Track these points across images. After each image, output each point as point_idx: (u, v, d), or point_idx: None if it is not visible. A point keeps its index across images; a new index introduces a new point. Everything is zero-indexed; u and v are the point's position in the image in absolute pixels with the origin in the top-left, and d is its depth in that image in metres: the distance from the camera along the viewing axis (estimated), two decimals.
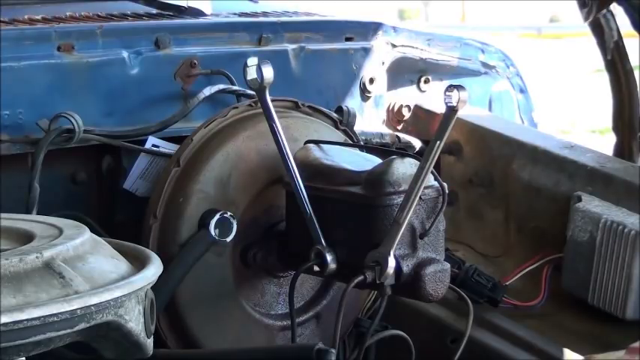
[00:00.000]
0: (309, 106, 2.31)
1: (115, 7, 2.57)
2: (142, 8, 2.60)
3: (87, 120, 2.14)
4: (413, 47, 2.66)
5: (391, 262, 1.89)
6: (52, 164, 2.14)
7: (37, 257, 1.36)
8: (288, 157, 2.02)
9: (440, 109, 2.50)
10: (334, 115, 2.34)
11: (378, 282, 1.90)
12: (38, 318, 1.28)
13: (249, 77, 2.02)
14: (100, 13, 2.47)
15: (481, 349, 2.27)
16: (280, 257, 2.15)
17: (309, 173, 2.05)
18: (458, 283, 2.31)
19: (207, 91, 2.31)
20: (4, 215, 1.60)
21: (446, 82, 2.60)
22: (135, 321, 1.42)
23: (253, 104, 2.22)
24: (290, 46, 2.47)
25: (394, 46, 2.62)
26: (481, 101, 2.80)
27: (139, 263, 1.52)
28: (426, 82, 2.70)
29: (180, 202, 2.10)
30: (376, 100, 2.60)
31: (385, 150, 2.35)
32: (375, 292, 2.23)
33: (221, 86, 2.33)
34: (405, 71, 2.67)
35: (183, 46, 2.34)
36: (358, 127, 2.41)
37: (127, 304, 1.40)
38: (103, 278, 1.42)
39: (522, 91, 2.88)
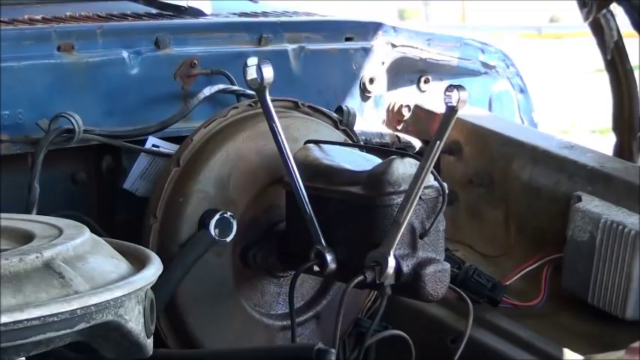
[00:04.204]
0: (309, 106, 2.31)
1: (115, 7, 2.57)
2: (142, 8, 2.60)
3: (87, 120, 2.14)
4: (413, 47, 2.66)
5: (391, 262, 1.89)
6: (52, 164, 2.14)
7: (37, 257, 1.36)
8: (288, 157, 2.02)
9: (440, 109, 2.50)
10: (334, 115, 2.34)
11: (378, 282, 1.90)
12: (38, 318, 1.28)
13: (249, 77, 2.02)
14: (100, 13, 2.47)
15: (481, 349, 2.27)
16: (280, 257, 2.15)
17: (309, 173, 2.05)
18: (458, 283, 2.30)
19: (207, 91, 2.31)
20: (4, 215, 1.60)
21: (446, 82, 2.59)
22: (135, 321, 1.42)
23: (253, 104, 2.22)
24: (290, 46, 2.47)
25: (394, 46, 2.62)
26: (481, 101, 2.80)
27: (139, 263, 1.52)
28: (426, 82, 2.70)
29: (180, 202, 2.10)
30: (376, 100, 2.60)
31: (385, 150, 2.36)
32: (375, 292, 2.23)
33: (221, 86, 2.33)
34: (405, 71, 2.67)
35: (183, 46, 2.34)
36: (358, 127, 2.41)
37: (127, 304, 1.40)
38: (103, 278, 1.42)
39: (522, 91, 2.88)
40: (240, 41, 2.43)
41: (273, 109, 2.03)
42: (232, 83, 2.34)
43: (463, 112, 1.96)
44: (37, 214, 2.01)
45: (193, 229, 2.08)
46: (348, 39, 2.57)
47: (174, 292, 2.04)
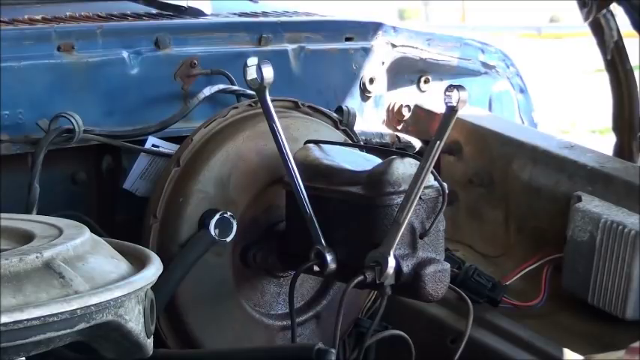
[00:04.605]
0: (309, 106, 2.31)
1: (115, 7, 2.57)
2: (142, 8, 2.60)
3: (87, 120, 2.14)
4: (413, 47, 2.66)
5: (391, 262, 1.89)
6: (52, 164, 2.14)
7: (37, 257, 1.36)
8: (288, 157, 2.02)
9: (440, 109, 2.50)
10: (334, 115, 2.34)
11: (378, 282, 1.90)
12: (38, 318, 1.28)
13: (249, 77, 2.02)
14: (100, 13, 2.47)
15: (481, 349, 2.27)
16: (280, 257, 2.15)
17: (309, 173, 2.05)
18: (458, 283, 2.30)
19: (207, 91, 2.31)
20: (4, 215, 1.60)
21: (446, 82, 2.59)
22: (135, 321, 1.42)
23: (253, 104, 2.22)
24: (290, 46, 2.47)
25: (394, 46, 2.62)
26: (481, 101, 2.80)
27: (139, 263, 1.52)
28: (426, 82, 2.70)
29: (180, 202, 2.10)
30: (376, 100, 2.60)
31: (385, 150, 2.36)
32: (375, 292, 2.23)
33: (221, 86, 2.33)
34: (405, 71, 2.67)
35: (183, 46, 2.34)
36: (358, 127, 2.41)
37: (127, 304, 1.40)
38: (103, 278, 1.42)
39: (522, 91, 2.88)
40: (240, 41, 2.43)
41: (273, 109, 2.03)
42: (232, 83, 2.34)
43: (463, 112, 1.97)
44: (37, 214, 2.01)
45: (193, 229, 2.08)
46: (348, 39, 2.57)
47: (175, 292, 2.04)
